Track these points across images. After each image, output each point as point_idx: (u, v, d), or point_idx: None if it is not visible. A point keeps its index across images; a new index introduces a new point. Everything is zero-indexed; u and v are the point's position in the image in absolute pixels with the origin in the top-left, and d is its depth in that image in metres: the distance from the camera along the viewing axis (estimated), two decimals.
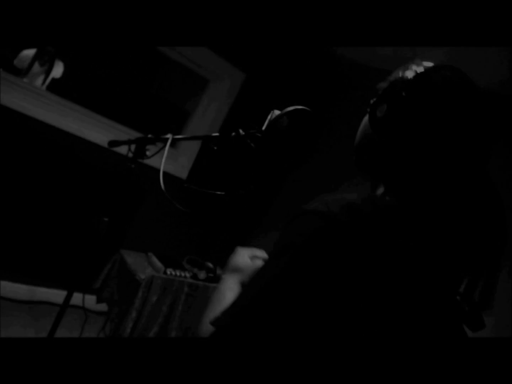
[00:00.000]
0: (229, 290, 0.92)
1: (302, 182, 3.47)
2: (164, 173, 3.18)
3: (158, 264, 2.28)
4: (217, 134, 1.54)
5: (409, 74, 0.84)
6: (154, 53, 3.68)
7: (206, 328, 0.77)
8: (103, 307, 2.59)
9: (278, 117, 1.20)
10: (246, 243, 3.62)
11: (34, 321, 2.86)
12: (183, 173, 3.25)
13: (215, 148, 1.55)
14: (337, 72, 3.75)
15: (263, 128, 1.25)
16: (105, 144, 2.92)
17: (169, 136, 1.74)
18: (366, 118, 0.91)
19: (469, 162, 0.80)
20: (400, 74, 0.85)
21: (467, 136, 0.79)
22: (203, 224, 3.52)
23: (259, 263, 1.00)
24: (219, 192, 1.37)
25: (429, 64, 0.85)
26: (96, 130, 2.96)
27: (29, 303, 3.04)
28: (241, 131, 1.38)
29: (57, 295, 3.14)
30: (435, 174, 0.80)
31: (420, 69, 0.83)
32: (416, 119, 0.80)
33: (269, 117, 1.26)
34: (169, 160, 3.09)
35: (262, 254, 1.05)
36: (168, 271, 2.24)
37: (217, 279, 2.40)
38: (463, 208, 0.79)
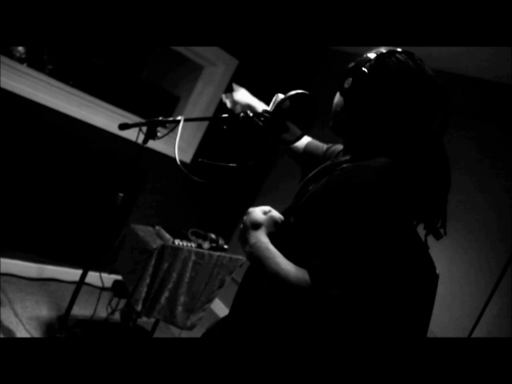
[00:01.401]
0: (269, 246, 1.04)
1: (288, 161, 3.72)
2: (164, 155, 3.41)
3: (167, 235, 2.51)
4: (226, 115, 1.76)
5: (371, 55, 1.11)
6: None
7: (296, 278, 0.92)
8: (109, 283, 2.82)
9: (282, 99, 1.41)
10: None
11: (46, 297, 3.07)
12: (182, 156, 3.47)
13: (225, 127, 1.77)
14: (326, 58, 3.98)
15: (270, 109, 1.47)
16: (108, 128, 3.12)
17: (180, 117, 1.94)
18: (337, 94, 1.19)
19: (417, 122, 1.08)
20: (365, 56, 1.12)
21: (412, 102, 1.05)
22: (203, 199, 3.78)
23: (274, 214, 1.14)
24: (231, 164, 1.57)
25: (389, 48, 1.12)
26: (100, 115, 3.15)
27: (39, 280, 3.25)
28: (249, 112, 1.59)
29: (65, 273, 3.36)
30: (389, 129, 1.08)
31: (380, 52, 1.10)
32: (373, 89, 1.07)
33: (274, 99, 1.47)
34: (168, 144, 3.30)
35: (270, 209, 1.17)
36: (176, 241, 2.47)
37: (220, 248, 2.64)
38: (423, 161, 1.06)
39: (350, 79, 1.11)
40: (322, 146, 1.54)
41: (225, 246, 2.66)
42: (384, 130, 1.10)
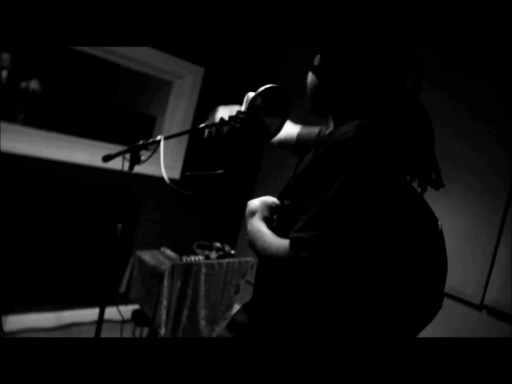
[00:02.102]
0: (261, 227, 1.09)
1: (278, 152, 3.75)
2: (154, 177, 3.42)
3: (173, 254, 2.52)
4: (203, 124, 1.77)
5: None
6: (110, 67, 3.84)
7: (277, 247, 0.95)
8: (128, 314, 2.82)
9: (254, 97, 1.42)
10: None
11: None
12: (170, 173, 3.47)
13: (205, 136, 1.77)
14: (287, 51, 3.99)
15: (243, 109, 1.48)
16: (93, 163, 3.12)
17: (160, 137, 1.95)
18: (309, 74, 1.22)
19: (388, 82, 1.09)
20: None
21: (380, 64, 1.08)
22: (200, 210, 3.79)
23: (267, 199, 1.18)
24: (218, 171, 1.58)
25: None
26: (81, 152, 3.15)
27: (59, 329, 3.24)
28: (223, 116, 1.59)
29: (83, 315, 3.35)
30: (363, 95, 1.10)
31: None
32: (340, 60, 1.10)
33: (245, 99, 1.48)
34: (155, 164, 3.29)
35: (267, 197, 1.20)
36: (184, 258, 2.48)
37: (227, 255, 2.65)
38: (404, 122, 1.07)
39: (318, 55, 1.13)
40: (314, 131, 1.55)
41: (232, 252, 2.67)
42: (358, 96, 1.12)
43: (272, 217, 1.14)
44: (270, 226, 1.10)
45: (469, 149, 2.81)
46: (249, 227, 1.12)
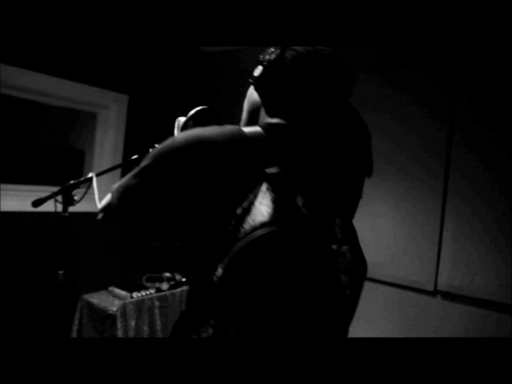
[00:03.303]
0: None
1: None
2: (91, 213, 3.26)
3: (122, 293, 2.40)
4: (136, 156, 1.70)
5: (277, 49, 1.13)
6: (28, 105, 3.67)
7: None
8: None
9: (185, 122, 1.38)
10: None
11: None
12: None
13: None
14: (212, 62, 3.98)
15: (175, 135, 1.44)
16: (24, 208, 2.95)
17: (91, 174, 1.86)
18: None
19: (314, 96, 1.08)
20: (272, 49, 1.14)
21: (309, 80, 1.08)
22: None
23: None
24: None
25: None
26: (10, 200, 2.97)
27: None
28: (156, 145, 1.54)
29: None
30: (300, 106, 1.09)
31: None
32: (279, 73, 1.09)
33: (176, 124, 1.44)
34: (90, 201, 3.16)
35: None
36: (134, 294, 2.38)
37: (179, 284, 2.57)
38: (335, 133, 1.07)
39: (260, 67, 1.13)
40: None
41: (184, 279, 2.59)
42: (288, 108, 1.10)
43: None
44: None
45: (405, 137, 2.89)
46: None
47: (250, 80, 1.17)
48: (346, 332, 0.99)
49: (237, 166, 0.92)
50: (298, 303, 0.86)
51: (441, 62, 2.85)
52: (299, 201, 0.91)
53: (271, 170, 0.93)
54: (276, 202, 0.87)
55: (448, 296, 2.68)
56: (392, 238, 2.95)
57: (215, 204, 0.89)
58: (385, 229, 2.94)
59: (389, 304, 2.90)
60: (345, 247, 0.96)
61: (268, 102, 1.13)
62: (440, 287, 2.70)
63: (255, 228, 0.84)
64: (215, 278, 0.85)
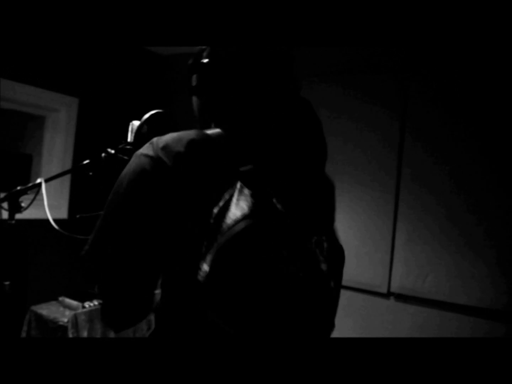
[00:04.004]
0: None
1: None
2: (40, 220, 3.14)
3: (74, 302, 2.32)
4: (87, 161, 1.64)
5: (206, 51, 1.08)
6: None
7: None
8: None
9: (139, 126, 1.35)
10: None
11: None
12: (56, 214, 3.22)
13: (91, 173, 1.65)
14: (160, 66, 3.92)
15: (129, 140, 1.40)
16: None
17: (40, 180, 1.79)
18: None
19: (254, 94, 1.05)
20: (200, 52, 1.10)
21: (247, 82, 1.04)
22: None
23: None
24: None
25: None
26: None
27: None
28: (109, 150, 1.49)
29: None
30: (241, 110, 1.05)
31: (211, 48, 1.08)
32: (214, 76, 1.05)
33: (130, 128, 1.40)
34: (39, 207, 3.03)
35: None
36: (87, 304, 2.29)
37: None
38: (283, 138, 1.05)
39: (194, 75, 1.08)
40: None
41: None
42: (234, 109, 1.07)
43: None
44: None
45: (358, 140, 2.94)
46: None
47: (191, 91, 1.13)
48: (333, 323, 1.00)
49: (208, 168, 0.91)
50: (286, 294, 0.87)
51: (392, 65, 2.92)
52: (273, 195, 0.92)
53: (243, 168, 0.92)
54: (254, 197, 0.89)
55: (401, 297, 2.74)
56: (344, 240, 2.96)
57: (191, 211, 0.88)
58: (338, 231, 2.97)
59: (343, 307, 2.93)
60: (321, 237, 0.98)
61: (213, 106, 1.09)
62: (393, 289, 2.76)
63: (237, 221, 0.84)
64: (200, 277, 0.83)
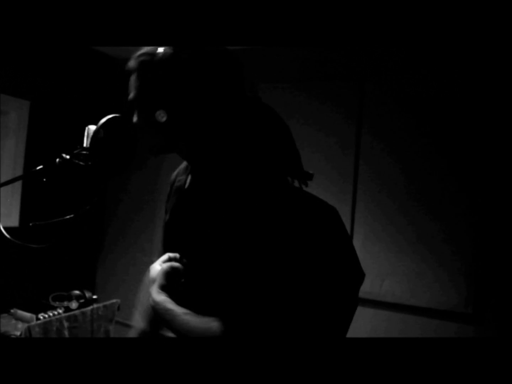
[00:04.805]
0: (167, 305, 0.96)
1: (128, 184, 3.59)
2: None
3: (27, 314, 2.22)
4: (40, 166, 1.57)
5: (160, 54, 1.03)
6: None
7: (204, 329, 0.88)
8: None
9: (95, 131, 1.29)
10: (103, 256, 3.63)
11: None
12: (6, 221, 3.08)
13: (44, 180, 1.58)
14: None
15: (85, 145, 1.34)
16: None
17: None
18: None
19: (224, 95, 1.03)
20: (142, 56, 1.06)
21: (210, 83, 1.01)
22: (49, 258, 3.40)
23: (165, 265, 1.04)
24: (68, 216, 1.41)
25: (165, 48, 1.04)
26: None
27: None
28: (64, 155, 1.43)
29: None
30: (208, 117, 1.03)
31: (165, 52, 1.02)
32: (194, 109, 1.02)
33: (86, 133, 1.34)
34: None
35: (167, 257, 1.08)
36: (41, 316, 2.20)
37: (89, 302, 2.42)
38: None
39: (161, 111, 1.04)
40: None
41: (94, 297, 2.45)
42: (204, 120, 1.04)
43: (175, 283, 1.02)
44: (175, 293, 1.00)
45: (316, 143, 2.95)
46: (152, 303, 0.99)
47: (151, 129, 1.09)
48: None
49: None
50: None
51: (348, 72, 2.96)
52: None
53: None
54: None
55: (359, 300, 2.76)
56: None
57: None
58: None
59: None
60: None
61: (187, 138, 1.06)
62: None
63: None
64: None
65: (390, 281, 2.69)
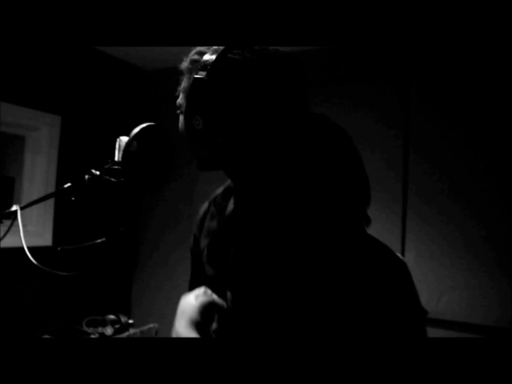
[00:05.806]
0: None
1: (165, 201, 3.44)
2: (16, 249, 2.89)
3: None
4: (68, 184, 1.44)
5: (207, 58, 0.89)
6: None
7: None
8: None
9: (128, 142, 1.15)
10: (137, 276, 3.49)
11: None
12: (39, 241, 2.98)
13: (73, 199, 1.45)
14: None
15: (117, 159, 1.20)
16: None
17: (15, 207, 1.58)
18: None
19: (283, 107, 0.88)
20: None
21: (267, 95, 0.87)
22: (81, 282, 3.26)
23: (207, 297, 0.95)
24: (99, 240, 1.28)
25: (215, 48, 0.91)
26: None
27: None
28: (94, 171, 1.29)
29: None
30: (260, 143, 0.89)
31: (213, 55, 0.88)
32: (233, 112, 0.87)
33: (117, 145, 1.20)
34: (16, 234, 2.79)
35: (201, 291, 0.99)
36: None
37: (125, 327, 2.27)
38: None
39: (197, 117, 0.90)
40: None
41: (130, 321, 2.30)
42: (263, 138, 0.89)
43: (209, 321, 0.92)
44: (207, 332, 0.90)
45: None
46: (173, 334, 0.90)
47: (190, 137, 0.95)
48: None
49: None
50: None
51: (391, 76, 2.81)
52: None
53: None
54: None
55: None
56: None
57: None
58: None
59: None
60: None
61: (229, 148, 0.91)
62: None
63: None
64: None
65: (448, 298, 2.52)
